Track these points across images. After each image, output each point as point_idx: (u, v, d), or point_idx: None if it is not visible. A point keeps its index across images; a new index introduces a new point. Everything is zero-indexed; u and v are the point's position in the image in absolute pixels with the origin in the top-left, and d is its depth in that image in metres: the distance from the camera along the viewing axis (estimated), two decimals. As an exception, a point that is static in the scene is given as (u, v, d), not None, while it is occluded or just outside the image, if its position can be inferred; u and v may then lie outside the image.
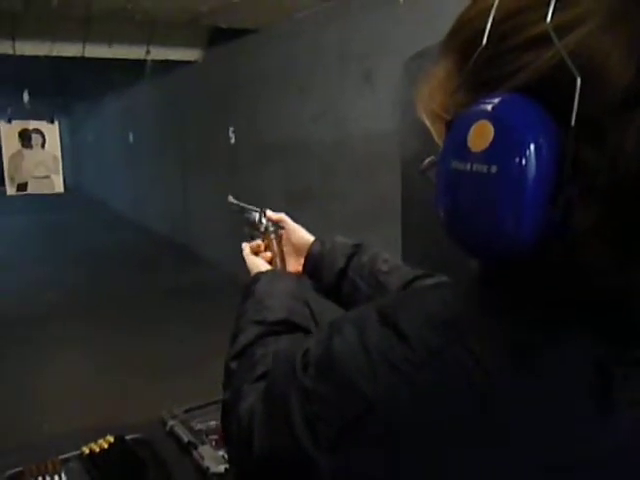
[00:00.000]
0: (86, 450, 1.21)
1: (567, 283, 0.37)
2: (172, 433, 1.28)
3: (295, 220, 0.95)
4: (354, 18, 3.72)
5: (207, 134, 6.18)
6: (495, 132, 0.36)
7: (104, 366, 3.65)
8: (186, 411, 1.38)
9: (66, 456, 1.21)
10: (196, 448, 1.21)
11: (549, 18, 0.35)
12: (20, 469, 1.16)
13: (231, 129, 5.52)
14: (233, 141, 5.53)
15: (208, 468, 1.14)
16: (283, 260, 0.92)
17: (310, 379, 0.43)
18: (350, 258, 0.87)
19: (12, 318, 4.56)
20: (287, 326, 0.68)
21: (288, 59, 4.54)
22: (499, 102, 0.36)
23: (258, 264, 0.87)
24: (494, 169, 0.36)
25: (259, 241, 0.92)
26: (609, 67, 0.33)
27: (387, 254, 0.88)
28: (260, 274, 0.81)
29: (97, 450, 1.21)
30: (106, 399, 3.07)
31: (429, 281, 0.80)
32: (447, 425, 0.37)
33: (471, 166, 0.37)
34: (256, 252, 0.91)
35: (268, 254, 0.91)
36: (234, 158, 5.55)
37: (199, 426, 1.30)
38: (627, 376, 0.35)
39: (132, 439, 1.26)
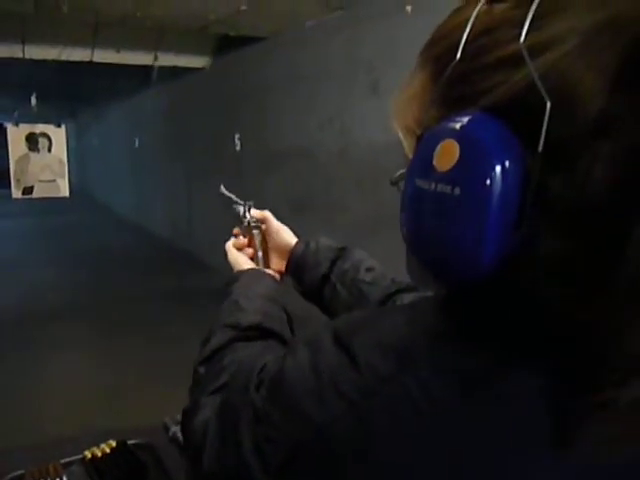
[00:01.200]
0: (88, 454, 1.21)
1: (525, 313, 0.36)
2: (175, 439, 1.28)
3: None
4: (362, 27, 3.74)
5: (213, 140, 6.20)
6: (460, 152, 0.35)
7: (106, 369, 3.65)
8: (189, 417, 1.38)
9: (68, 460, 1.21)
10: (198, 454, 1.20)
11: (522, 38, 0.33)
12: (22, 472, 1.15)
13: (237, 136, 5.54)
14: (239, 148, 5.55)
15: (210, 475, 1.14)
16: (267, 258, 0.91)
17: (261, 399, 0.43)
18: (334, 263, 0.84)
19: (15, 319, 4.57)
20: (260, 332, 0.66)
21: (295, 67, 4.56)
22: (467, 122, 0.35)
23: (240, 261, 0.85)
24: (457, 191, 0.35)
25: (242, 238, 0.91)
26: (581, 92, 0.32)
27: (372, 261, 0.86)
28: (240, 273, 0.80)
29: (99, 454, 1.21)
30: (108, 403, 3.07)
31: (409, 296, 0.78)
32: (392, 454, 0.36)
33: (435, 185, 0.36)
34: (239, 248, 0.89)
35: (250, 250, 0.90)
36: (239, 165, 5.56)
37: (202, 432, 1.30)
38: (580, 420, 0.34)
39: (134, 444, 1.25)
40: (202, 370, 0.62)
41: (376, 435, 0.36)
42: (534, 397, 0.35)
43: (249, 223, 0.92)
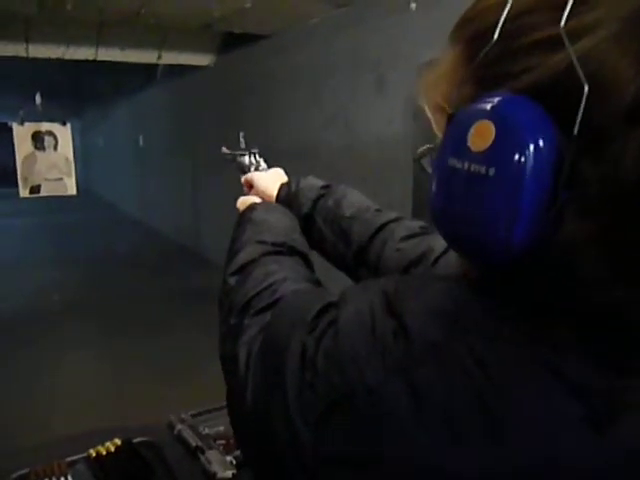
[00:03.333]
0: (93, 453, 1.21)
1: (565, 294, 0.36)
2: (180, 437, 1.28)
3: None
4: (366, 24, 3.73)
5: (217, 138, 6.19)
6: (496, 133, 0.35)
7: (112, 368, 3.66)
8: (194, 415, 1.38)
9: (73, 458, 1.21)
10: (203, 453, 1.20)
11: (563, 21, 0.34)
12: (27, 471, 1.16)
13: (241, 134, 5.52)
14: (243, 146, 5.54)
15: (215, 473, 1.13)
16: None
17: (313, 344, 0.42)
18: (316, 202, 0.82)
19: (21, 319, 4.59)
20: (287, 248, 0.67)
21: (300, 65, 4.55)
22: (503, 102, 0.35)
23: (251, 198, 0.86)
24: (492, 171, 0.35)
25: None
26: (616, 77, 0.33)
27: (359, 194, 0.83)
28: (256, 204, 0.80)
29: (104, 453, 1.21)
30: (113, 401, 3.08)
31: (400, 227, 0.75)
32: (439, 419, 0.35)
33: (469, 165, 0.36)
34: None
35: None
36: (244, 162, 5.56)
37: (207, 431, 1.30)
38: (620, 404, 0.34)
39: (139, 442, 1.25)
40: (233, 281, 0.61)
41: (423, 402, 0.35)
42: (581, 380, 0.35)
43: (257, 169, 0.92)
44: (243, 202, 0.86)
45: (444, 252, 0.68)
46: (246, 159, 0.94)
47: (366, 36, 3.74)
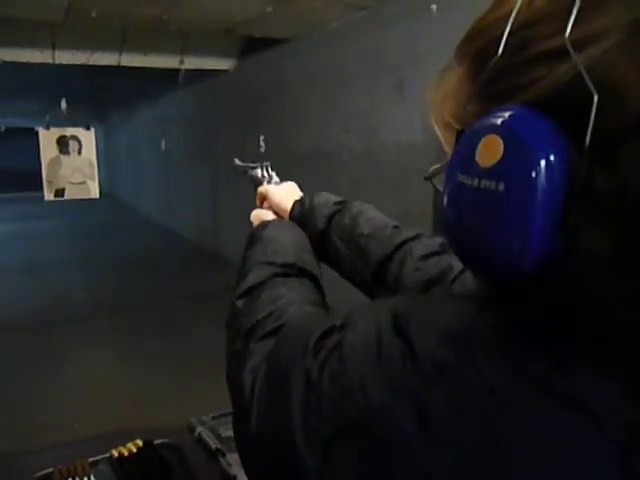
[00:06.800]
0: (115, 453, 1.23)
1: (580, 314, 0.35)
2: (200, 439, 1.29)
3: None
4: (386, 27, 3.72)
5: (238, 142, 6.24)
6: (505, 148, 0.34)
7: (134, 369, 3.70)
8: (214, 418, 1.38)
9: (95, 459, 1.23)
10: (224, 455, 1.21)
11: (568, 31, 0.33)
12: (50, 470, 1.18)
13: (262, 137, 5.57)
14: (263, 149, 5.57)
15: (235, 476, 1.14)
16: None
17: (317, 369, 0.41)
18: (331, 218, 0.80)
19: (44, 320, 4.67)
20: (296, 270, 0.66)
21: (320, 68, 4.56)
22: (511, 116, 0.35)
23: (264, 213, 0.86)
24: (502, 186, 0.34)
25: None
26: (627, 85, 0.32)
27: (375, 210, 0.81)
28: (267, 222, 0.79)
29: (126, 454, 1.22)
30: (133, 401, 3.11)
31: (419, 245, 0.73)
32: (449, 444, 0.34)
33: (478, 181, 0.36)
34: None
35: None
36: (264, 166, 5.58)
37: (227, 433, 1.30)
38: None
39: (160, 444, 1.27)
40: (240, 304, 0.61)
41: (432, 424, 0.35)
42: (597, 404, 0.33)
43: (269, 182, 0.92)
44: (257, 216, 0.86)
45: (462, 271, 0.67)
46: (258, 172, 0.94)
47: (386, 39, 3.73)
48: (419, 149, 3.38)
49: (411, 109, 3.49)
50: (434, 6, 3.24)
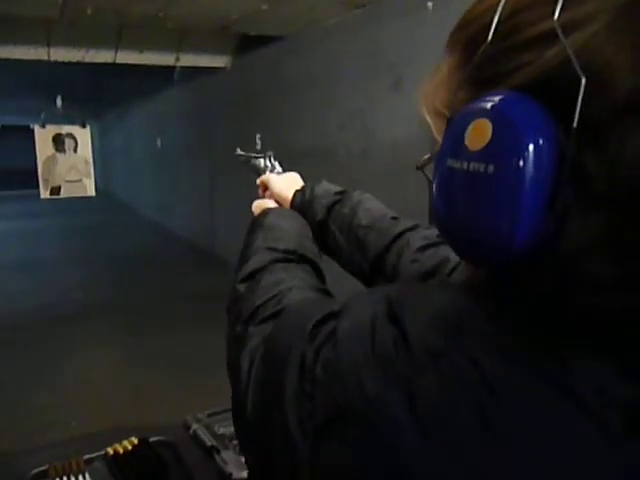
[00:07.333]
0: (110, 451, 1.22)
1: (570, 298, 0.35)
2: (195, 437, 1.29)
3: None
4: (383, 25, 3.72)
5: (234, 140, 6.23)
6: (494, 130, 0.35)
7: (130, 368, 3.70)
8: (210, 415, 1.38)
9: (90, 456, 1.22)
10: (219, 453, 1.20)
11: (556, 15, 0.34)
12: (45, 468, 1.17)
13: (258, 135, 5.56)
14: (259, 147, 5.57)
15: (231, 474, 1.14)
16: None
17: (313, 353, 0.41)
18: (330, 208, 0.81)
19: (40, 318, 4.66)
20: (297, 257, 0.67)
21: (316, 66, 4.56)
22: (499, 100, 0.35)
23: (266, 202, 0.86)
24: (491, 168, 0.34)
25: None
26: (613, 68, 0.32)
27: (374, 200, 0.81)
28: (269, 209, 0.80)
29: (121, 451, 1.22)
30: (129, 399, 3.11)
31: (418, 236, 0.74)
32: (440, 431, 0.34)
33: (467, 165, 0.36)
34: None
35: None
36: (260, 164, 5.58)
37: (222, 430, 1.30)
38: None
39: (156, 441, 1.26)
40: (242, 289, 0.61)
41: (423, 410, 0.34)
42: (593, 392, 0.33)
43: (271, 171, 0.93)
44: (258, 206, 0.86)
45: (459, 263, 0.67)
46: (261, 161, 0.94)
47: (383, 37, 3.73)
48: (417, 146, 3.38)
49: (409, 106, 3.49)
50: (430, 3, 3.24)
